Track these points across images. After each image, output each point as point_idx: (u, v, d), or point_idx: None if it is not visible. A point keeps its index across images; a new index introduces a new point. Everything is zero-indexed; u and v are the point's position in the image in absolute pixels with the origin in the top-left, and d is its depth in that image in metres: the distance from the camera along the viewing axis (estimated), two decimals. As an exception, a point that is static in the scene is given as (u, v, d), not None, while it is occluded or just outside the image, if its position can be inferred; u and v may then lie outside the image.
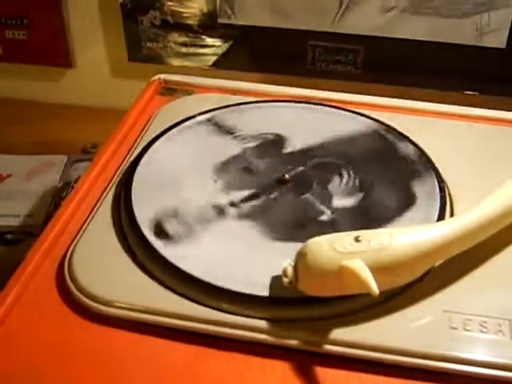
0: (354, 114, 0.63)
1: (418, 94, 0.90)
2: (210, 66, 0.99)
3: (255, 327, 0.43)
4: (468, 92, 0.91)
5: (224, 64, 0.98)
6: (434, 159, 0.57)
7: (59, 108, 1.08)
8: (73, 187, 0.56)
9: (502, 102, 0.90)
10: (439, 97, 0.91)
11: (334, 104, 0.65)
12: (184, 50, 0.98)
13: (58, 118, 1.04)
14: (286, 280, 0.43)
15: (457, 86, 0.91)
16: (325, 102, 0.65)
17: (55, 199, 0.87)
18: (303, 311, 0.44)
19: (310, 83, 0.92)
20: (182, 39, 0.97)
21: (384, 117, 0.63)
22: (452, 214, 0.53)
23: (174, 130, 0.59)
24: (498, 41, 0.86)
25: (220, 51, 0.97)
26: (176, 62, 1.00)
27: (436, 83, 0.91)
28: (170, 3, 0.94)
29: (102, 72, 1.07)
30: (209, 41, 0.97)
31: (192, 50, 0.98)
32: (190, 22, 0.95)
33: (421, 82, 0.92)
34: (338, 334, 0.43)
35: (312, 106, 0.64)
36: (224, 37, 0.95)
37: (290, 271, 0.43)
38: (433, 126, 0.63)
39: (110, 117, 0.98)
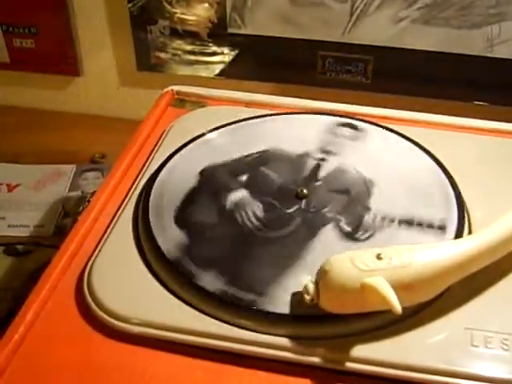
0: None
1: (427, 105, 0.90)
2: (220, 75, 0.98)
3: (277, 345, 0.43)
4: (478, 102, 0.91)
5: (234, 73, 0.98)
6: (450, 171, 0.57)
7: (67, 116, 1.08)
8: (89, 201, 0.56)
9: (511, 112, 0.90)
10: (449, 107, 0.90)
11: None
12: (193, 59, 0.98)
13: (66, 127, 1.04)
14: (307, 297, 0.43)
15: (467, 96, 0.91)
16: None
17: (65, 209, 0.87)
18: (324, 329, 0.44)
19: (320, 93, 0.92)
20: (191, 48, 0.97)
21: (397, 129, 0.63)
22: (470, 227, 0.52)
23: (190, 146, 0.59)
24: (508, 52, 0.86)
25: (229, 60, 0.97)
26: (185, 71, 1.00)
27: (446, 93, 0.91)
28: (179, 12, 0.94)
29: (110, 81, 1.06)
30: (218, 50, 0.96)
31: (201, 58, 0.98)
32: (199, 31, 0.95)
33: (431, 92, 0.92)
34: (359, 351, 0.43)
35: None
36: (233, 46, 0.95)
37: (311, 288, 0.43)
38: (446, 139, 0.63)
39: (118, 126, 0.99)
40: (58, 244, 0.78)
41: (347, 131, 0.62)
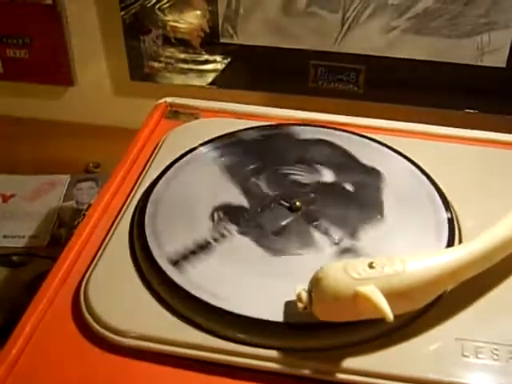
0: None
1: (418, 113, 0.91)
2: (212, 84, 0.99)
3: (269, 357, 0.43)
4: (468, 110, 0.92)
5: (226, 82, 0.98)
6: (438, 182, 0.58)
7: (61, 126, 1.08)
8: (84, 215, 0.56)
9: (502, 120, 0.90)
10: (440, 115, 0.91)
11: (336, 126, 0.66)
12: (186, 67, 0.99)
13: (60, 137, 1.04)
14: (300, 305, 0.43)
15: (457, 104, 0.92)
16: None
17: (60, 219, 0.87)
18: (316, 340, 0.44)
19: (312, 102, 0.93)
20: (184, 57, 0.98)
21: (387, 140, 0.63)
22: (460, 237, 0.53)
23: (183, 160, 0.60)
24: (498, 60, 0.87)
25: (222, 69, 0.97)
26: (178, 80, 1.00)
27: (437, 102, 0.92)
28: (171, 20, 0.95)
29: (104, 90, 1.07)
30: (211, 58, 0.97)
31: (194, 67, 0.99)
32: (191, 40, 0.96)
33: (421, 100, 0.92)
34: (350, 362, 0.43)
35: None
36: (226, 55, 0.96)
37: (304, 296, 0.43)
38: (435, 149, 0.64)
39: (112, 135, 1.00)
40: (53, 255, 0.79)
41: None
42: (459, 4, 0.84)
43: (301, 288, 0.44)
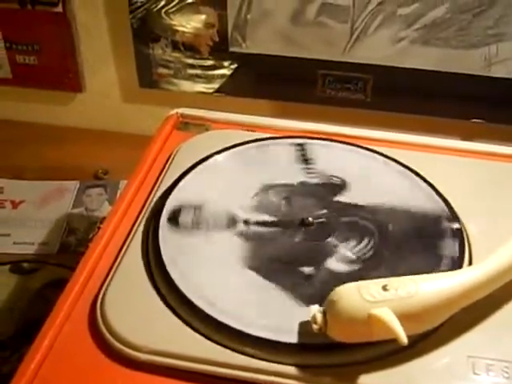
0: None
1: (426, 122, 0.92)
2: (221, 91, 1.00)
3: (284, 373, 0.44)
4: (475, 120, 0.92)
5: (235, 90, 0.99)
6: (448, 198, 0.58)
7: (69, 132, 1.08)
8: (99, 227, 0.57)
9: (509, 130, 0.91)
10: (447, 125, 0.92)
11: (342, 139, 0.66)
12: (194, 74, 0.99)
13: (68, 143, 1.05)
14: (315, 327, 0.44)
15: (465, 114, 0.92)
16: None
17: (69, 227, 0.88)
18: (330, 357, 0.45)
19: (320, 111, 0.94)
20: (192, 63, 0.98)
21: (394, 153, 0.64)
22: (470, 255, 0.54)
23: (195, 171, 0.61)
24: (506, 71, 0.87)
25: (230, 77, 0.98)
26: (186, 86, 1.01)
27: (444, 111, 0.92)
28: (177, 24, 0.95)
29: (112, 97, 1.07)
30: (218, 65, 0.98)
31: (202, 74, 0.99)
32: (200, 47, 0.96)
33: (429, 110, 0.93)
34: (364, 379, 0.44)
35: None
36: (235, 63, 0.96)
37: (319, 318, 0.44)
38: (444, 163, 0.64)
39: (120, 142, 1.00)
40: (63, 262, 0.80)
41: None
42: (468, 15, 0.84)
43: (315, 310, 0.45)
